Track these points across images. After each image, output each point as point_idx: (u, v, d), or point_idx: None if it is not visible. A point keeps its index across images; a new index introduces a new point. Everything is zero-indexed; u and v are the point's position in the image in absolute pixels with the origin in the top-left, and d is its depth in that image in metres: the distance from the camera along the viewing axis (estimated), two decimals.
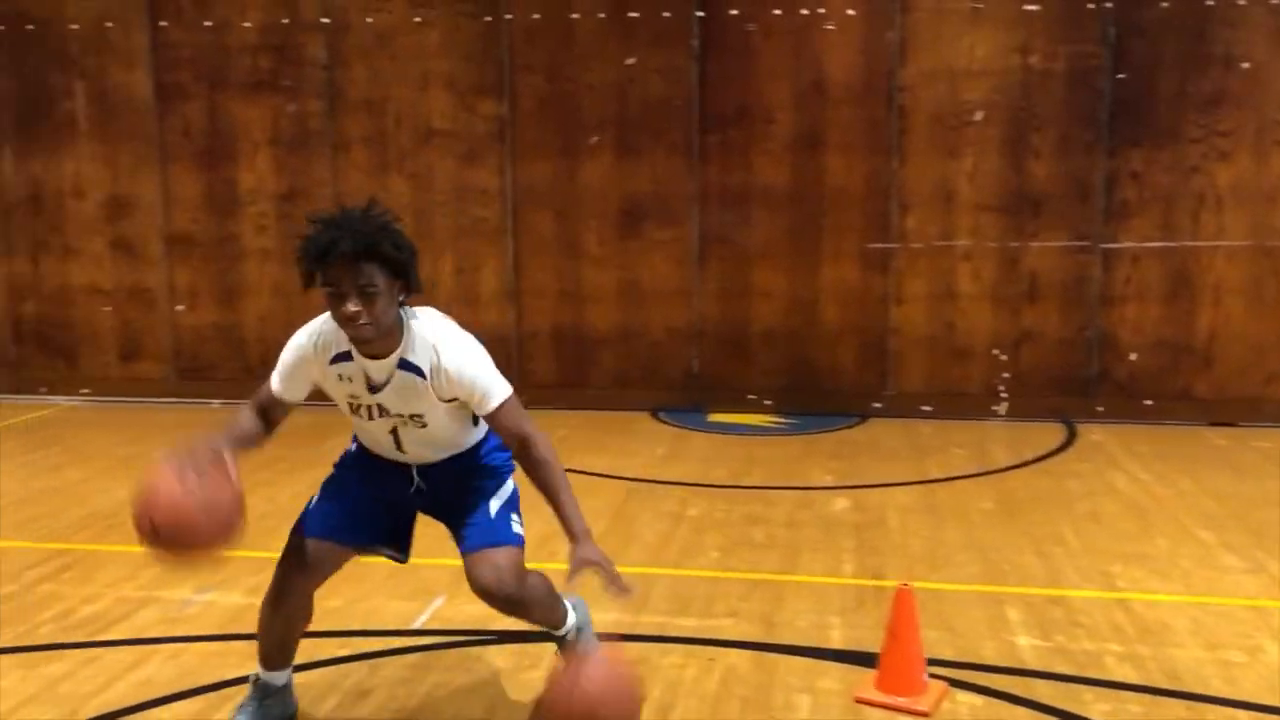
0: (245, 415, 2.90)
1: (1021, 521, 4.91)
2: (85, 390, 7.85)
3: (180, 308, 7.65)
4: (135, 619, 3.85)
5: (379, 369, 2.76)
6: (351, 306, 2.61)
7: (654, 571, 4.31)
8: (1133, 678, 3.37)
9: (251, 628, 3.07)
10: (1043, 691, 3.29)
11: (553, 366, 7.36)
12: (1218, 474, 5.66)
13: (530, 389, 7.33)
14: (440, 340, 2.76)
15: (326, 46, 7.26)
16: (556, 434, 6.53)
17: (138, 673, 3.44)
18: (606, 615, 3.86)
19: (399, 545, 3.05)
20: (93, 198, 7.66)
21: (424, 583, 4.03)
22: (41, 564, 4.47)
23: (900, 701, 3.19)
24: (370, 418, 2.85)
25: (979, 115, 6.69)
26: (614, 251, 7.18)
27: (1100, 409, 6.82)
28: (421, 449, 2.91)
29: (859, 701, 3.22)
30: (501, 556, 2.85)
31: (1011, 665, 3.47)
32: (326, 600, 3.39)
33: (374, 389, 2.79)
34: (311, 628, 3.08)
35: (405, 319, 2.75)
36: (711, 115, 6.96)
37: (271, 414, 2.91)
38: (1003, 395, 6.93)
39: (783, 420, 7.01)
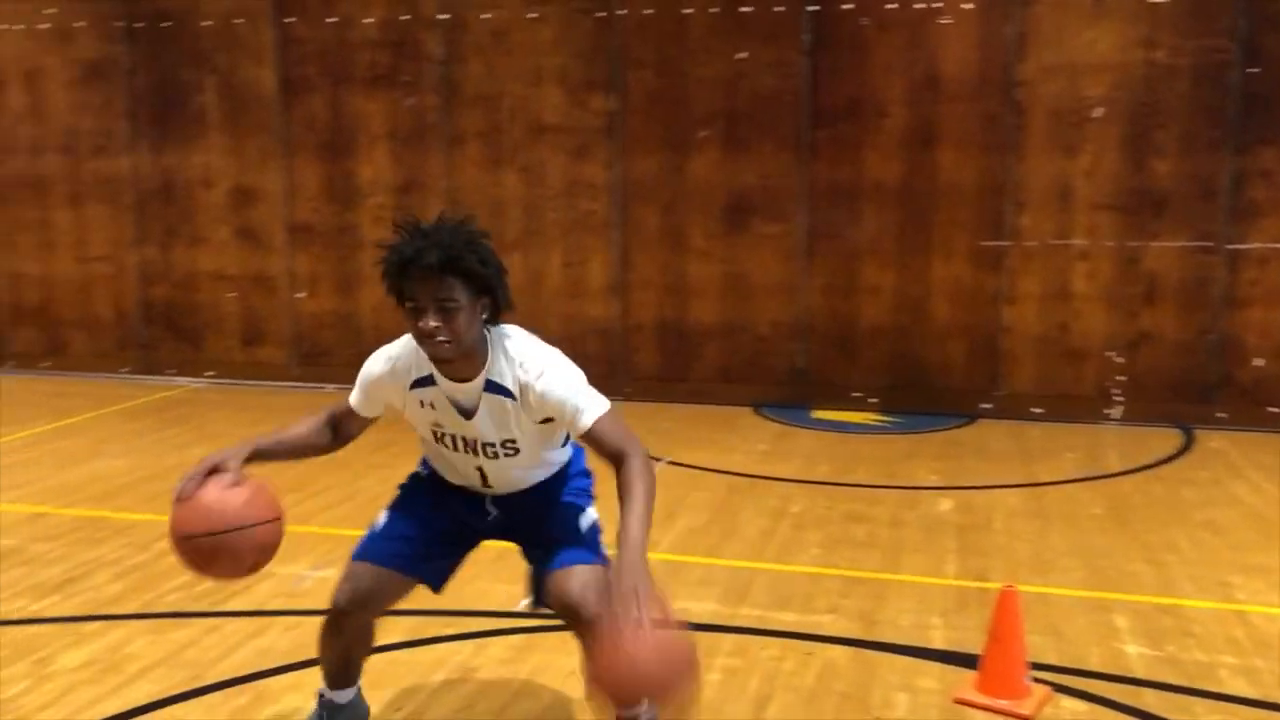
0: (307, 422, 2.78)
1: (1133, 528, 4.78)
2: (210, 372, 8.19)
3: (301, 295, 7.92)
4: (254, 592, 4.02)
5: (466, 393, 2.60)
6: (430, 322, 2.45)
7: (754, 566, 4.33)
8: (1247, 692, 3.28)
9: None
10: (1151, 701, 3.22)
11: (656, 359, 7.42)
12: None
13: (633, 381, 7.42)
14: (526, 358, 2.58)
15: (444, 42, 7.43)
16: (659, 427, 6.64)
17: (257, 642, 3.60)
18: (704, 605, 3.91)
19: (443, 578, 2.87)
20: (220, 188, 7.98)
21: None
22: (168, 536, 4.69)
23: (1001, 704, 3.15)
24: (456, 449, 2.69)
25: (1099, 111, 6.52)
26: (720, 246, 7.20)
27: (1221, 415, 6.59)
28: (507, 481, 2.76)
29: (958, 702, 3.20)
30: (590, 575, 2.61)
31: (1119, 673, 3.40)
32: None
33: (466, 415, 2.62)
34: (422, 607, 3.15)
35: (490, 339, 2.59)
36: (822, 110, 6.93)
37: (345, 425, 2.79)
38: (1117, 399, 6.75)
39: (888, 419, 6.94)
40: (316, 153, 7.76)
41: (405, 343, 2.66)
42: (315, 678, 3.30)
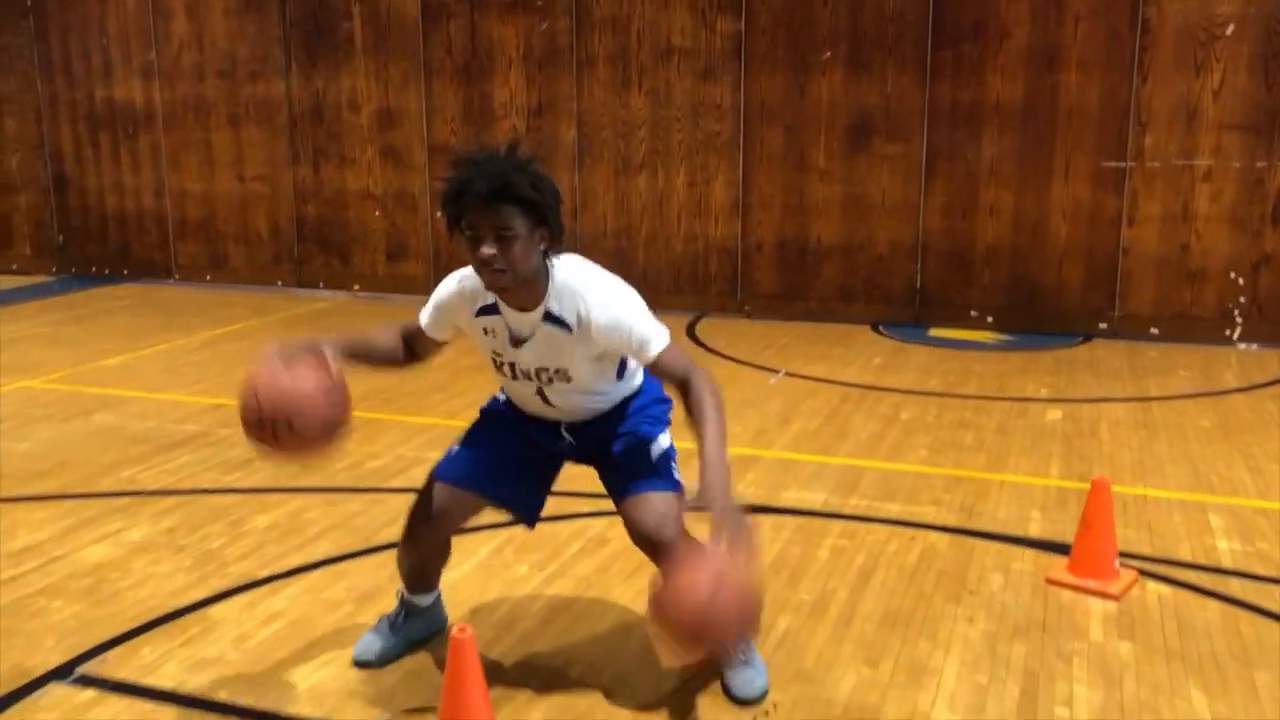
0: (384, 331, 2.86)
1: (1239, 440, 4.92)
2: (356, 286, 8.77)
3: (440, 213, 8.37)
4: (411, 473, 4.51)
5: (523, 322, 2.65)
6: (486, 250, 2.47)
7: (863, 464, 4.64)
8: None
9: None
10: (1235, 588, 3.44)
11: (776, 278, 7.68)
12: None
13: (753, 299, 7.71)
14: (588, 289, 2.61)
15: None
16: (777, 342, 6.95)
17: None
18: (815, 496, 4.24)
19: (532, 506, 2.97)
20: (366, 110, 8.47)
21: None
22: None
23: (1090, 584, 3.41)
24: (514, 376, 2.75)
25: (1230, 29, 6.46)
26: (841, 166, 7.38)
27: None
28: (570, 405, 2.80)
29: (1049, 582, 3.47)
30: (663, 502, 2.70)
31: (1207, 564, 3.62)
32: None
33: (516, 343, 2.69)
34: (566, 489, 3.37)
35: (549, 269, 2.61)
36: (946, 30, 7.01)
37: (415, 344, 2.86)
38: (1238, 320, 6.77)
39: (1004, 337, 7.10)
40: (455, 76, 8.16)
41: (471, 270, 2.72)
42: (467, 543, 3.77)
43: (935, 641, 3.12)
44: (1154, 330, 6.92)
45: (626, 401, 2.87)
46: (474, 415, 3.05)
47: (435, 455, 3.02)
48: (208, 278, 9.23)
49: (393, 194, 8.52)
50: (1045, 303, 7.14)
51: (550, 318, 2.63)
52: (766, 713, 2.76)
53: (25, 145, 9.57)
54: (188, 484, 4.47)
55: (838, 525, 3.96)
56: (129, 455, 4.83)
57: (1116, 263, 6.95)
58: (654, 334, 2.61)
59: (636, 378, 2.88)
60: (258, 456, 4.68)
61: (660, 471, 2.77)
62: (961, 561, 3.66)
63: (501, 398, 3.00)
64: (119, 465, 4.70)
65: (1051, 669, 2.97)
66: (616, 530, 3.88)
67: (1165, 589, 3.44)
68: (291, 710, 2.80)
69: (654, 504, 2.70)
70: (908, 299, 7.43)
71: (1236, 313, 6.77)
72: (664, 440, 2.84)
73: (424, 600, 3.09)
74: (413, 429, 5.16)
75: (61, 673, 2.99)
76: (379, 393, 5.80)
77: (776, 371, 6.19)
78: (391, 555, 3.68)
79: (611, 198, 7.86)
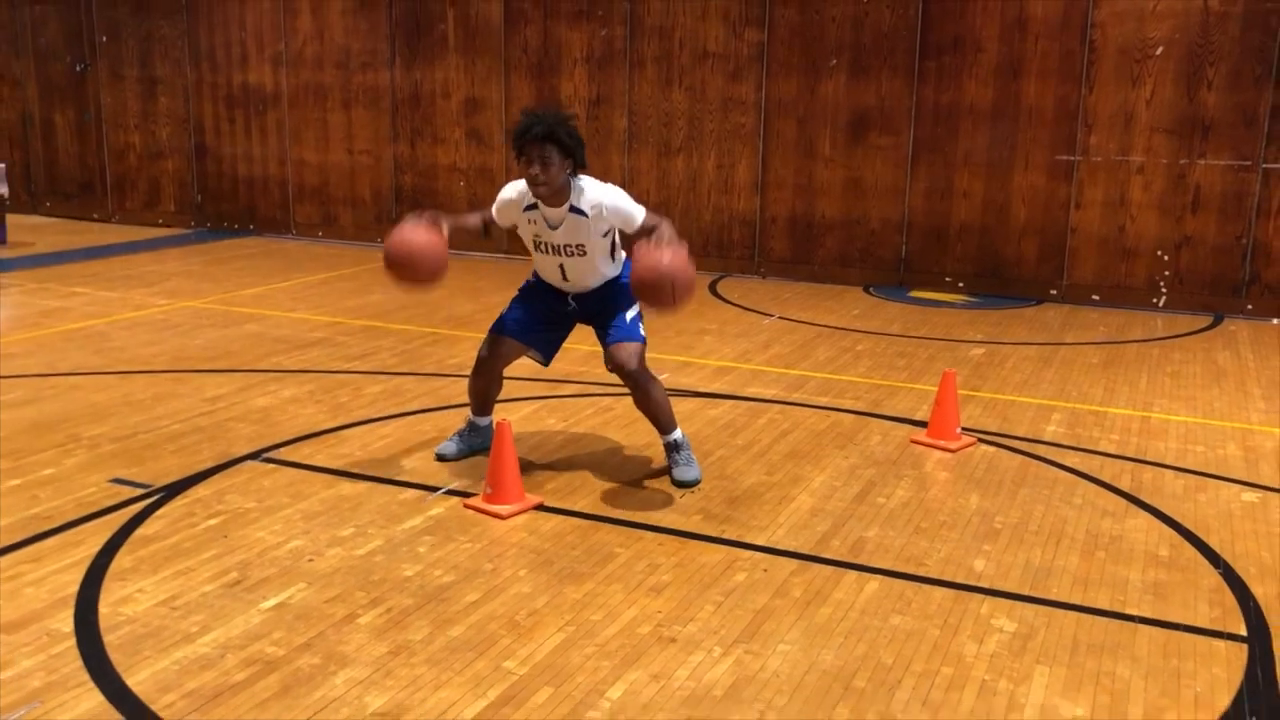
0: (475, 216, 4.43)
1: (1111, 371, 6.37)
2: None
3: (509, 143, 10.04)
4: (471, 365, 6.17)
5: (554, 215, 4.18)
6: (533, 170, 4.01)
7: (812, 374, 6.19)
8: (1111, 450, 4.96)
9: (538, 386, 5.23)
10: (1042, 450, 4.94)
11: (787, 245, 9.23)
12: None
13: (767, 263, 9.26)
14: (597, 192, 4.15)
15: None
16: (782, 296, 8.62)
17: None
18: (769, 390, 5.82)
19: (551, 351, 4.55)
20: (455, 98, 10.17)
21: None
22: (422, 338, 6.93)
23: (939, 443, 4.95)
24: (546, 252, 4.28)
25: (1160, 50, 7.84)
26: (842, 154, 8.89)
27: (1250, 307, 7.92)
28: (579, 276, 4.32)
29: (912, 441, 5.01)
30: (632, 346, 4.26)
31: (1029, 437, 5.12)
32: (599, 368, 5.51)
33: (553, 227, 4.20)
34: (584, 378, 5.08)
35: (574, 183, 4.14)
36: (930, 44, 8.48)
37: (491, 225, 4.41)
38: (1163, 290, 8.15)
39: (971, 299, 8.56)
40: (529, 71, 9.82)
41: (521, 182, 4.22)
42: (513, 405, 5.40)
43: (817, 466, 4.70)
44: (1095, 297, 8.33)
45: (611, 282, 4.42)
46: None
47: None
48: (320, 234, 11.03)
49: (475, 168, 10.22)
50: (1007, 272, 8.59)
51: (574, 209, 4.16)
52: (693, 491, 4.37)
53: (174, 119, 11.47)
54: (320, 367, 6.20)
55: (777, 408, 5.54)
56: (275, 349, 6.58)
57: (1065, 240, 8.38)
58: (637, 211, 4.22)
59: (619, 265, 4.42)
60: (369, 354, 6.40)
61: (632, 328, 4.38)
62: (856, 429, 5.21)
63: (533, 280, 4.54)
64: (269, 355, 6.45)
65: (886, 481, 4.53)
66: (619, 403, 5.52)
67: (990, 449, 4.97)
68: (398, 477, 4.48)
69: (627, 347, 4.33)
70: (894, 266, 8.93)
71: (1162, 284, 8.16)
72: (634, 310, 4.41)
73: (483, 421, 4.75)
74: (472, 340, 6.83)
75: (252, 456, 4.71)
76: (456, 319, 7.50)
77: (770, 315, 7.76)
78: (461, 411, 5.34)
79: (654, 176, 9.46)
